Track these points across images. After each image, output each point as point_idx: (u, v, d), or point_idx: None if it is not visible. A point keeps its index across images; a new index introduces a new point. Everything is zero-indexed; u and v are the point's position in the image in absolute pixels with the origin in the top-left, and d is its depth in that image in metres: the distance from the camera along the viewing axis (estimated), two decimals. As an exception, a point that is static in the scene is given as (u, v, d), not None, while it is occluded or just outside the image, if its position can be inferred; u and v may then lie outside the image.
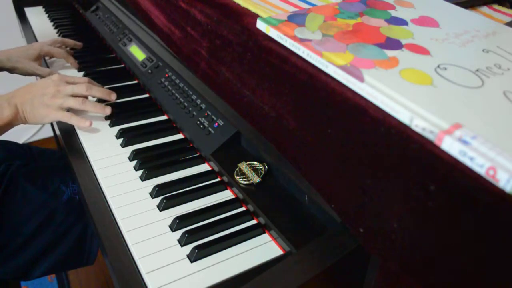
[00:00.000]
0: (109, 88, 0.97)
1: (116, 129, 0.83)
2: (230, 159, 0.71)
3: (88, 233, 0.89)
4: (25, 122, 0.81)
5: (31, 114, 0.79)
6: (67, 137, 0.82)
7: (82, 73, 1.05)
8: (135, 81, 1.02)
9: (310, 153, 0.48)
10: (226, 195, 0.68)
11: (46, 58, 1.11)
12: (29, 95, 0.80)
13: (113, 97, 0.88)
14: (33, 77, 1.08)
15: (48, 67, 1.08)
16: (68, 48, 1.13)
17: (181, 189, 0.68)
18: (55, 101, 0.80)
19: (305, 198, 0.61)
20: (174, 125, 0.85)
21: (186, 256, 0.57)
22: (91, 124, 0.81)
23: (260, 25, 0.53)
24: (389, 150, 0.38)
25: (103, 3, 1.28)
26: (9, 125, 0.79)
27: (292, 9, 0.61)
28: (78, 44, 1.14)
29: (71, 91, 0.82)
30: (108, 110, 0.84)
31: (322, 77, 0.45)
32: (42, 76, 1.03)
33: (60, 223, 0.86)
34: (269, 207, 0.62)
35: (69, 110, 0.82)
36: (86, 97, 0.84)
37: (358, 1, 0.58)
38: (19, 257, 0.84)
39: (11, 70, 1.01)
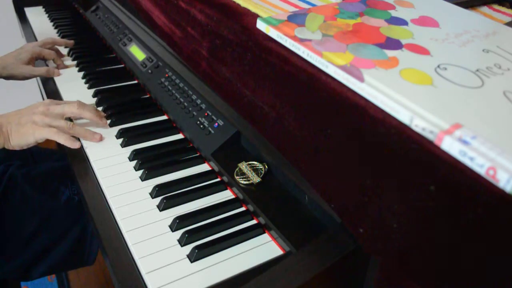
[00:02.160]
0: (109, 88, 0.97)
1: (116, 129, 0.83)
2: (230, 159, 0.71)
3: (87, 233, 0.89)
4: (8, 144, 0.75)
5: (16, 133, 0.74)
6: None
7: (82, 73, 1.05)
8: (135, 81, 1.02)
9: (310, 153, 0.48)
10: (226, 195, 0.68)
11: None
12: (16, 116, 0.76)
13: (104, 121, 0.84)
14: (32, 79, 1.08)
15: (46, 65, 1.08)
16: (63, 47, 1.13)
17: (181, 189, 0.68)
18: (43, 119, 0.76)
19: (305, 198, 0.61)
20: (174, 125, 0.85)
21: (186, 256, 0.57)
22: (80, 146, 0.77)
23: (260, 25, 0.53)
24: (389, 150, 0.38)
25: (103, 3, 1.28)
26: None
27: (292, 9, 0.61)
28: (69, 42, 1.13)
29: (61, 110, 0.78)
30: (97, 137, 0.80)
31: (322, 77, 0.45)
32: (40, 76, 1.03)
33: (59, 224, 0.86)
34: (269, 207, 0.62)
35: None
36: (72, 120, 0.81)
37: (358, 1, 0.58)
38: (19, 257, 0.84)
39: (8, 78, 1.01)
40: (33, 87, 1.72)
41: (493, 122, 0.36)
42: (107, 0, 1.26)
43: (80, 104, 0.80)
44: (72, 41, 1.14)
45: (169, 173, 0.72)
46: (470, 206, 0.33)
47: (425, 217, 0.36)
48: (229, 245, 0.59)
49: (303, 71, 0.46)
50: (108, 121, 0.86)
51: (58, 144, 0.78)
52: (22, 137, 0.75)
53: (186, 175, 0.72)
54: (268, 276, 0.47)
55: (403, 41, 0.48)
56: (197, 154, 0.77)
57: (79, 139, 0.79)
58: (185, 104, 0.82)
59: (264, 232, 0.62)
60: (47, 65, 1.08)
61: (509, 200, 0.30)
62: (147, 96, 0.96)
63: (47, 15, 1.43)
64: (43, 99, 1.12)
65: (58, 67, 1.07)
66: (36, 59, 1.06)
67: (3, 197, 0.82)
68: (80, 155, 0.77)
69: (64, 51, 1.15)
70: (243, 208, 0.66)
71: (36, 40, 1.23)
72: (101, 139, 0.80)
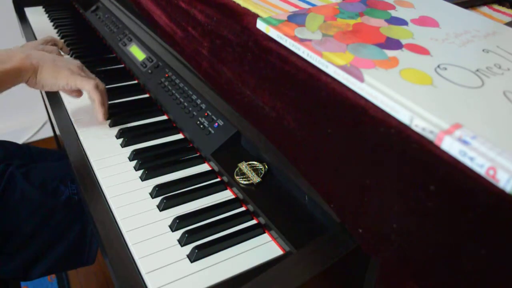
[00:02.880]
0: (109, 88, 0.97)
1: (116, 129, 0.83)
2: (230, 159, 0.71)
3: (87, 233, 0.89)
4: (34, 79, 0.74)
5: (49, 70, 0.74)
6: (67, 137, 0.82)
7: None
8: (135, 81, 1.02)
9: (310, 153, 0.48)
10: (226, 195, 0.68)
11: None
12: (52, 57, 0.78)
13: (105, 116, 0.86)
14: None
15: None
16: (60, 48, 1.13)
17: (181, 189, 0.68)
18: (80, 72, 0.79)
19: (305, 198, 0.61)
20: (174, 125, 0.85)
21: (186, 256, 0.57)
22: (104, 116, 0.81)
23: (260, 25, 0.53)
24: (389, 150, 0.38)
25: (103, 3, 1.28)
26: (16, 74, 0.71)
27: (292, 9, 0.61)
28: (66, 49, 1.11)
29: (93, 76, 0.82)
30: (105, 117, 0.83)
31: (322, 77, 0.45)
32: None
33: (58, 223, 0.86)
34: (269, 207, 0.62)
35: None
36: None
37: (358, 1, 0.58)
38: (19, 257, 0.84)
39: None
40: (34, 92, 1.72)
41: (493, 122, 0.36)
42: (107, 0, 1.26)
43: (104, 88, 0.83)
44: (68, 49, 1.13)
45: (169, 173, 0.72)
46: (470, 206, 0.33)
47: (425, 217, 0.36)
48: (229, 245, 0.59)
49: (303, 71, 0.46)
50: (108, 121, 0.86)
51: (58, 144, 0.78)
52: (55, 76, 0.75)
53: (186, 175, 0.72)
54: (268, 276, 0.47)
55: (403, 41, 0.48)
56: (197, 154, 0.77)
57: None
58: (185, 104, 0.82)
59: (264, 232, 0.62)
60: None
61: (509, 200, 0.30)
62: (147, 96, 0.96)
63: (47, 15, 1.43)
64: (43, 98, 1.12)
65: None
66: None
67: (2, 196, 0.82)
68: (80, 155, 0.77)
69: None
70: (243, 208, 0.66)
71: (36, 40, 1.23)
72: (103, 119, 0.83)
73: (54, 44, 1.11)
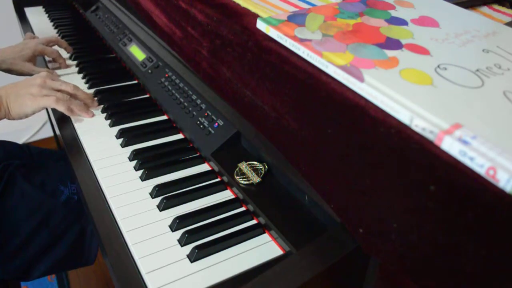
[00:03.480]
0: (109, 88, 0.97)
1: (116, 129, 0.83)
2: (230, 159, 0.71)
3: (87, 233, 0.89)
4: (8, 115, 0.80)
5: (15, 104, 0.79)
6: (67, 137, 0.82)
7: (82, 73, 1.05)
8: (135, 81, 1.02)
9: (310, 153, 0.48)
10: (226, 195, 0.68)
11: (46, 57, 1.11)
12: (15, 88, 0.80)
13: (95, 103, 0.89)
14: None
15: (47, 66, 1.08)
16: (63, 48, 1.13)
17: (181, 189, 0.68)
18: (41, 90, 0.80)
19: (305, 198, 0.61)
20: (174, 125, 0.85)
21: (186, 256, 0.57)
22: (74, 114, 0.82)
23: (260, 25, 0.53)
24: (389, 150, 0.38)
25: (103, 3, 1.28)
26: None
27: (292, 9, 0.61)
28: (69, 48, 1.13)
29: (58, 86, 0.82)
30: (91, 114, 0.86)
31: (322, 77, 0.45)
32: None
33: (58, 223, 0.86)
34: (269, 207, 0.62)
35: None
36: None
37: (358, 1, 0.58)
38: (18, 257, 0.84)
39: (5, 71, 1.01)
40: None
41: (493, 122, 0.36)
42: (107, 0, 1.26)
43: (75, 86, 0.85)
44: (71, 48, 1.14)
45: (169, 173, 0.72)
46: (470, 206, 0.33)
47: (425, 217, 0.36)
48: (229, 245, 0.59)
49: (303, 71, 0.46)
50: (108, 121, 0.86)
51: (58, 144, 0.79)
52: (21, 107, 0.79)
53: (186, 175, 0.72)
54: (268, 276, 0.47)
55: (403, 41, 0.48)
56: (197, 154, 0.77)
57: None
58: (185, 104, 0.82)
59: (264, 232, 0.62)
60: (46, 64, 1.08)
61: (509, 200, 0.30)
62: (147, 96, 0.96)
63: (47, 15, 1.43)
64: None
65: (60, 66, 1.07)
66: (38, 56, 1.06)
67: (2, 196, 0.82)
68: (80, 156, 0.77)
69: (62, 53, 1.15)
70: (243, 208, 0.66)
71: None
72: (93, 115, 0.86)
73: (57, 44, 1.11)
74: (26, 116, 0.81)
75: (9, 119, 0.81)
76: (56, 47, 1.12)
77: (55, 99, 0.80)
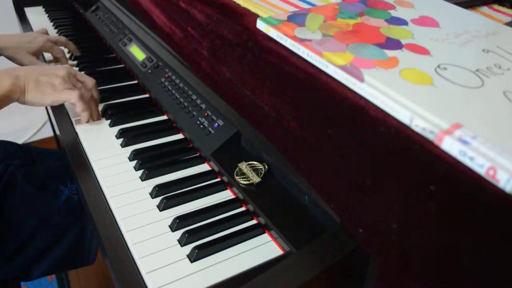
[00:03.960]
0: (109, 88, 0.98)
1: (116, 129, 0.83)
2: (230, 159, 0.71)
3: (87, 233, 0.89)
4: (23, 99, 0.76)
5: (34, 89, 0.75)
6: (67, 137, 0.82)
7: (82, 73, 1.05)
8: (135, 81, 1.02)
9: (310, 153, 0.48)
10: (226, 195, 0.68)
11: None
12: (36, 72, 0.77)
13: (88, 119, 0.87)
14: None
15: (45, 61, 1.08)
16: (67, 51, 1.13)
17: (181, 189, 0.68)
18: (63, 84, 0.77)
19: (305, 198, 0.61)
20: (174, 125, 0.85)
21: (186, 256, 0.57)
22: (88, 121, 0.82)
23: (260, 25, 0.53)
24: (389, 150, 0.38)
25: (103, 3, 1.28)
26: (6, 99, 0.73)
27: (292, 9, 0.61)
28: (77, 51, 1.12)
29: (81, 79, 0.82)
30: (87, 120, 0.83)
31: (322, 77, 0.45)
32: None
33: (58, 223, 0.86)
34: (269, 207, 0.62)
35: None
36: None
37: (358, 1, 0.58)
38: (18, 257, 0.84)
39: (8, 57, 1.01)
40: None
41: (493, 122, 0.36)
42: (107, 0, 1.26)
43: (95, 85, 0.84)
44: (79, 52, 1.13)
45: (169, 173, 0.72)
46: (470, 206, 0.33)
47: (425, 217, 0.36)
48: (229, 245, 0.59)
49: (303, 71, 0.46)
50: (108, 121, 0.86)
51: (58, 144, 0.78)
52: (40, 96, 0.76)
53: (186, 175, 0.72)
54: (268, 276, 0.47)
55: (403, 41, 0.48)
56: (197, 154, 0.77)
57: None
58: (185, 104, 0.82)
59: (264, 232, 0.62)
60: (45, 61, 1.07)
61: (509, 200, 0.30)
62: (147, 96, 0.96)
63: (47, 15, 1.43)
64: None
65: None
66: (43, 52, 1.06)
67: (2, 196, 0.82)
68: (80, 156, 0.77)
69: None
70: (243, 208, 0.66)
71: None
72: (101, 119, 0.85)
73: (65, 46, 1.10)
74: (42, 105, 0.78)
75: (20, 102, 0.77)
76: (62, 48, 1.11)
77: (78, 95, 0.78)
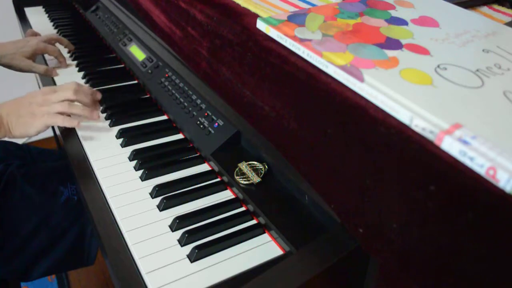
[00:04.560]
0: (109, 88, 0.97)
1: (116, 129, 0.83)
2: (230, 159, 0.71)
3: (87, 233, 0.89)
4: (9, 134, 0.77)
5: (16, 124, 0.76)
6: (67, 137, 0.82)
7: (82, 73, 1.05)
8: (135, 81, 1.02)
9: (310, 153, 0.48)
10: (226, 195, 0.68)
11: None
12: (15, 106, 0.77)
13: (98, 95, 0.88)
14: (32, 77, 1.08)
15: (46, 63, 1.08)
16: (64, 47, 1.13)
17: (181, 189, 0.68)
18: (42, 109, 0.77)
19: (305, 198, 0.61)
20: (174, 125, 0.85)
21: (186, 256, 0.57)
22: (78, 123, 0.79)
23: (260, 25, 0.53)
24: (389, 150, 0.38)
25: (103, 3, 1.28)
26: None
27: (292, 9, 0.61)
28: (71, 46, 1.13)
29: (57, 98, 0.79)
30: (95, 115, 0.82)
31: (322, 77, 0.45)
32: (37, 73, 1.03)
33: (58, 224, 0.86)
34: (269, 207, 0.62)
35: None
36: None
37: (358, 1, 0.58)
38: (18, 257, 0.84)
39: (6, 66, 1.01)
40: (32, 86, 1.72)
41: (493, 122, 0.36)
42: (107, 0, 1.26)
43: (76, 90, 0.81)
44: (73, 46, 1.14)
45: (169, 173, 0.72)
46: (470, 206, 0.33)
47: (425, 217, 0.36)
48: (229, 245, 0.59)
49: (303, 71, 0.46)
50: (108, 121, 0.86)
51: (58, 144, 0.78)
52: (23, 128, 0.77)
53: (186, 175, 0.72)
54: (268, 276, 0.47)
55: (403, 41, 0.48)
56: (197, 154, 0.77)
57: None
58: (185, 104, 0.82)
59: (264, 232, 0.62)
60: (46, 63, 1.08)
61: (509, 200, 0.30)
62: (147, 96, 0.96)
63: (47, 15, 1.43)
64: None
65: (61, 65, 1.07)
66: (39, 54, 1.06)
67: (2, 196, 0.82)
68: (80, 155, 0.77)
69: (63, 51, 1.15)
70: (243, 208, 0.66)
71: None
72: (98, 116, 0.83)
73: (59, 42, 1.11)
74: (30, 136, 0.78)
75: (10, 138, 0.78)
76: (57, 45, 1.12)
77: (53, 116, 0.77)
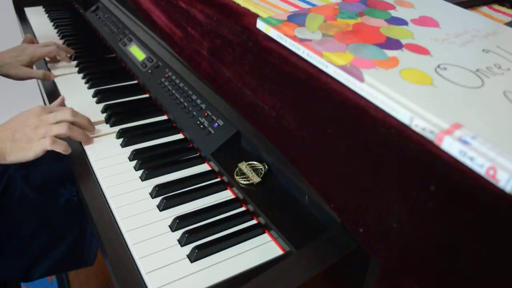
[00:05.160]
0: (109, 88, 0.98)
1: (116, 129, 0.83)
2: (230, 159, 0.71)
3: (87, 234, 0.89)
4: (3, 161, 0.72)
5: (12, 150, 0.71)
6: (67, 137, 0.82)
7: (82, 73, 1.05)
8: (135, 81, 1.02)
9: (310, 153, 0.48)
10: (226, 195, 0.68)
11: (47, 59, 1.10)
12: (9, 131, 0.72)
13: (93, 128, 0.82)
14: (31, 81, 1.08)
15: (47, 66, 1.08)
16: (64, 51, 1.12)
17: (181, 189, 0.68)
18: (38, 131, 0.72)
19: (305, 198, 0.61)
20: (174, 125, 0.85)
21: (186, 256, 0.57)
22: (69, 151, 0.75)
23: (260, 25, 0.53)
24: (389, 150, 0.38)
25: (103, 3, 1.28)
26: None
27: (292, 9, 0.61)
28: (70, 50, 1.11)
29: (54, 119, 0.75)
30: (90, 141, 0.79)
31: (322, 77, 0.45)
32: (37, 78, 1.02)
33: (58, 225, 0.86)
34: (269, 207, 0.62)
35: None
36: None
37: (358, 1, 0.58)
38: (18, 258, 0.84)
39: (4, 76, 1.01)
40: (33, 86, 1.72)
41: (493, 122, 0.36)
42: (107, 0, 1.26)
43: (74, 111, 0.78)
44: (72, 50, 1.12)
45: (169, 173, 0.72)
46: (470, 206, 0.33)
47: (425, 217, 0.36)
48: (229, 245, 0.59)
49: (303, 71, 0.46)
50: (108, 121, 0.86)
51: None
52: (20, 154, 0.72)
53: (186, 175, 0.72)
54: (268, 276, 0.47)
55: (403, 41, 0.48)
56: (197, 154, 0.77)
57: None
58: (185, 104, 0.82)
59: (264, 232, 0.62)
60: (47, 65, 1.08)
61: (509, 200, 0.30)
62: (147, 96, 0.96)
63: (47, 15, 1.43)
64: (43, 98, 1.12)
65: (63, 60, 1.06)
66: (37, 61, 1.06)
67: (2, 198, 0.82)
68: (80, 156, 0.77)
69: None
70: (243, 208, 0.66)
71: (36, 38, 1.23)
72: (92, 142, 0.79)
73: (57, 54, 1.08)
74: (27, 160, 0.73)
75: (5, 163, 0.73)
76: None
77: (51, 142, 0.71)
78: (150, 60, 0.97)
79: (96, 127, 0.84)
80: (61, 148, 0.73)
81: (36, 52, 1.02)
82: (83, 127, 0.79)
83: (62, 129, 0.73)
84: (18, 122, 0.74)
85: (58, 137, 0.74)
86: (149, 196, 0.67)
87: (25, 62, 1.00)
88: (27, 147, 0.72)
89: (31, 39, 1.13)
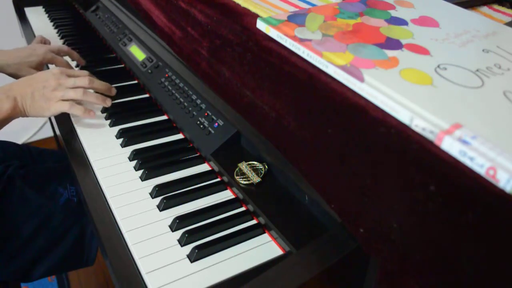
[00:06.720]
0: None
1: (116, 129, 0.83)
2: (230, 159, 0.71)
3: (87, 234, 0.89)
4: (24, 115, 0.79)
5: (31, 107, 0.78)
6: (67, 137, 0.82)
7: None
8: (135, 81, 1.02)
9: (310, 153, 0.48)
10: (226, 195, 0.68)
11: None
12: (29, 88, 0.79)
13: (113, 91, 0.89)
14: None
15: (48, 68, 1.07)
16: (71, 60, 1.09)
17: (181, 189, 0.68)
18: (56, 94, 0.79)
19: (305, 198, 0.61)
20: (174, 125, 0.85)
21: (186, 256, 0.57)
22: (94, 114, 0.82)
23: (260, 25, 0.53)
24: (389, 150, 0.38)
25: (103, 3, 1.28)
26: (8, 119, 0.77)
27: (292, 9, 0.61)
28: (82, 61, 1.07)
29: (72, 84, 0.80)
30: (108, 102, 0.85)
31: (322, 77, 0.45)
32: None
33: (57, 225, 0.86)
34: (269, 207, 0.62)
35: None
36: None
37: (358, 1, 0.58)
38: (18, 259, 0.84)
39: (11, 76, 0.99)
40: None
41: (493, 122, 0.36)
42: (107, 0, 1.26)
43: (91, 78, 0.84)
44: (84, 61, 1.08)
45: (169, 173, 0.72)
46: (470, 206, 0.33)
47: (425, 217, 0.36)
48: (229, 245, 0.59)
49: (303, 71, 0.46)
50: (108, 121, 0.86)
51: (58, 144, 0.78)
52: (38, 111, 0.79)
53: (186, 175, 0.72)
54: (268, 276, 0.47)
55: (403, 41, 0.48)
56: (197, 154, 0.77)
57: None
58: (185, 104, 0.82)
59: (264, 232, 0.62)
60: (47, 66, 1.07)
61: (509, 200, 0.30)
62: (147, 96, 0.96)
63: (47, 15, 1.43)
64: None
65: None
66: (45, 64, 1.03)
67: (2, 198, 0.82)
68: (80, 156, 0.77)
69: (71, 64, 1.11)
70: (243, 208, 0.66)
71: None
72: (110, 103, 0.86)
73: (69, 55, 1.06)
74: (44, 117, 0.81)
75: (25, 117, 0.81)
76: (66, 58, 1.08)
77: (69, 105, 0.79)
78: (150, 60, 0.97)
79: (96, 127, 0.84)
80: (79, 112, 0.81)
81: (48, 56, 0.99)
82: (101, 91, 0.86)
83: (77, 95, 0.80)
84: (36, 82, 0.80)
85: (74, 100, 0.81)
86: (149, 196, 0.67)
87: (34, 64, 0.97)
88: (45, 106, 0.79)
89: (43, 39, 1.09)
